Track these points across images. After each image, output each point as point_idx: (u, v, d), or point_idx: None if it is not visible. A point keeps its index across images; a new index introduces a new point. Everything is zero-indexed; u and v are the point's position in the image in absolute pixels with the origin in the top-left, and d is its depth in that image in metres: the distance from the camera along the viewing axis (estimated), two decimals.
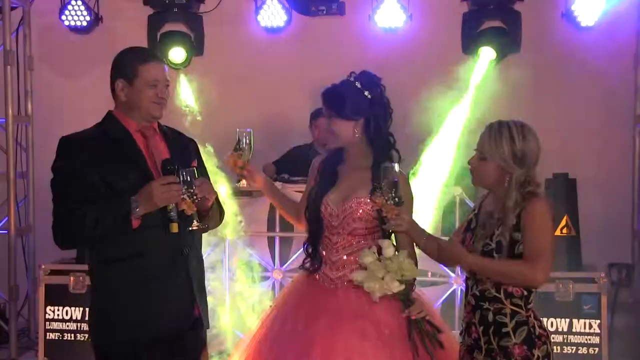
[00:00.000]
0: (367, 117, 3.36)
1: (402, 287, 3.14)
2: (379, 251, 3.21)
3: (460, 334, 3.20)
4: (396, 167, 3.16)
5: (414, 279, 3.21)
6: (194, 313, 3.22)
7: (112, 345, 3.14)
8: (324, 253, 3.42)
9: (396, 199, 3.15)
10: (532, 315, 3.04)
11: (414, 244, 3.30)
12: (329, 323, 3.27)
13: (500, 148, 2.99)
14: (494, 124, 3.07)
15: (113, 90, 3.20)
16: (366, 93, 3.36)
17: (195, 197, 3.02)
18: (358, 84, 3.36)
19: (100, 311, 3.18)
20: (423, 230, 3.30)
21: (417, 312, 3.19)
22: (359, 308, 3.27)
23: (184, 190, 3.00)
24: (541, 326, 3.05)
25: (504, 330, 3.00)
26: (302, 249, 3.57)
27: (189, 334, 3.22)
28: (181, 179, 3.01)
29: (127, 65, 3.17)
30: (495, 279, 3.01)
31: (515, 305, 3.01)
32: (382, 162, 3.25)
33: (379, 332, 3.24)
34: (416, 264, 3.29)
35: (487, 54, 6.24)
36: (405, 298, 3.19)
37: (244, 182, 3.63)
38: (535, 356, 2.98)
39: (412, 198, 3.43)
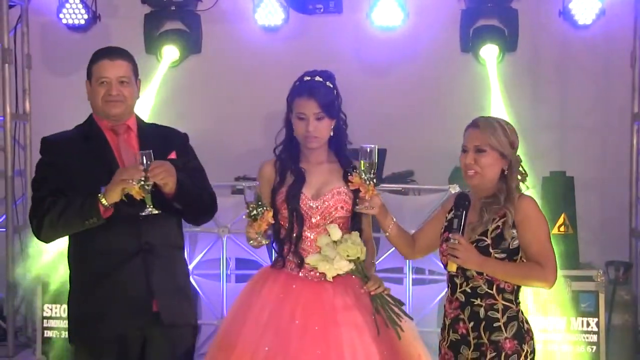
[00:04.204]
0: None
1: (352, 265, 3.26)
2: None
3: (442, 331, 3.21)
4: (375, 148, 3.19)
5: (358, 257, 3.28)
6: (152, 309, 3.22)
7: (79, 341, 3.27)
8: (302, 251, 3.43)
9: (374, 180, 3.20)
10: (520, 311, 3.09)
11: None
12: (327, 316, 3.30)
13: (499, 137, 3.07)
14: (480, 119, 3.14)
15: None
16: (335, 92, 3.45)
17: (144, 181, 3.02)
18: (329, 84, 3.43)
19: (68, 307, 3.34)
20: (391, 217, 3.36)
21: (374, 287, 3.29)
22: (349, 298, 3.34)
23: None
24: (528, 322, 3.11)
25: (495, 324, 3.04)
26: None
27: (153, 330, 3.23)
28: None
29: (88, 66, 3.31)
30: (510, 282, 3.06)
31: (506, 300, 3.06)
32: (345, 154, 3.42)
33: (368, 319, 3.31)
34: (372, 246, 3.50)
35: (486, 52, 6.26)
36: (361, 275, 3.30)
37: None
38: (525, 351, 3.03)
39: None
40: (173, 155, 3.31)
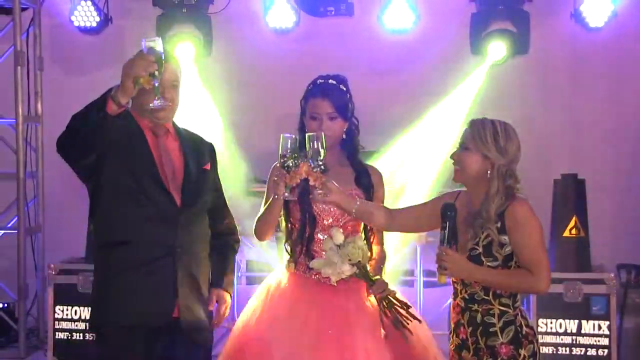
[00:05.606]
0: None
1: (355, 269, 3.26)
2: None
3: (450, 334, 3.23)
4: (322, 136, 3.17)
5: (360, 261, 3.29)
6: (173, 311, 3.21)
7: (103, 327, 3.28)
8: (315, 253, 3.45)
9: (322, 167, 3.16)
10: (519, 314, 3.08)
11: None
12: (341, 320, 3.32)
13: (484, 138, 3.04)
14: (477, 119, 3.12)
15: None
16: (349, 95, 3.51)
17: (153, 75, 2.89)
18: (342, 87, 3.49)
19: (93, 293, 3.34)
20: (354, 199, 3.33)
21: (379, 291, 3.29)
22: (362, 301, 3.37)
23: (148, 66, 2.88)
24: (528, 325, 3.09)
25: (491, 329, 3.05)
26: None
27: (174, 331, 3.22)
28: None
29: None
30: (502, 289, 3.06)
31: (503, 305, 3.06)
32: (358, 157, 3.49)
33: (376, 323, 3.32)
34: (383, 251, 3.54)
35: (494, 53, 6.24)
36: (366, 279, 3.31)
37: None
38: (522, 355, 3.03)
39: (383, 187, 3.59)
40: (207, 167, 3.37)
